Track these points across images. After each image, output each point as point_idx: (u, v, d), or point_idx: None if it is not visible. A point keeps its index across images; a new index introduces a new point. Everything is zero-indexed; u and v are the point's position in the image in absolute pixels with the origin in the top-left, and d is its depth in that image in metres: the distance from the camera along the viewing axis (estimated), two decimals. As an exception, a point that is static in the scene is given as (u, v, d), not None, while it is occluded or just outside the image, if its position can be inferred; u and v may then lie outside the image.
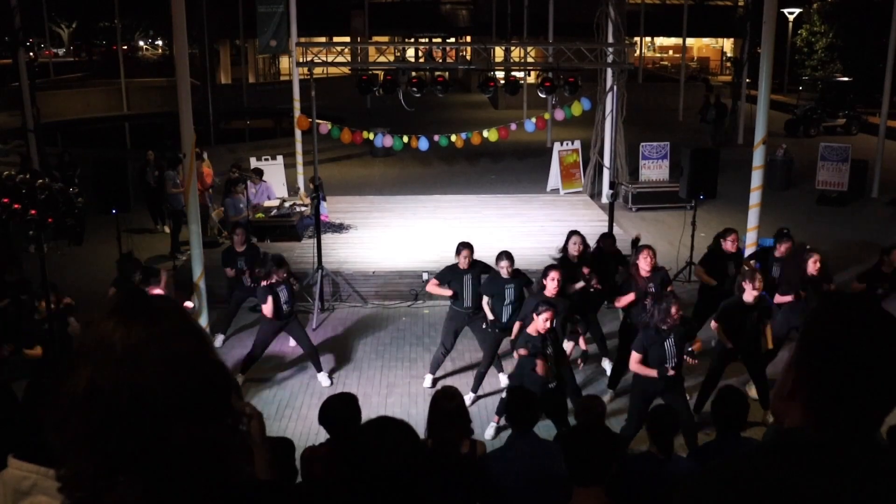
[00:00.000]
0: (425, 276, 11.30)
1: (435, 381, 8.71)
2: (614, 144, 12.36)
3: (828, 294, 7.79)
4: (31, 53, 21.53)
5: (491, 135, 14.26)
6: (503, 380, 8.57)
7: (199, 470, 1.24)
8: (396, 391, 8.72)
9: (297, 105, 16.10)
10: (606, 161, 14.03)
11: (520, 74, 14.92)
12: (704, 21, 39.60)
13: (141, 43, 65.69)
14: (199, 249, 9.63)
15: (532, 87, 15.89)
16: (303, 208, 13.61)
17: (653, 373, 6.69)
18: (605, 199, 14.37)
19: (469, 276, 8.52)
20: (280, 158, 15.85)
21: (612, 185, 11.78)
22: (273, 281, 8.42)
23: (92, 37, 60.96)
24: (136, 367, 1.22)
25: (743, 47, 25.80)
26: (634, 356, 6.83)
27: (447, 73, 12.47)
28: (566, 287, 8.03)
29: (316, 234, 11.24)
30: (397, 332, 10.37)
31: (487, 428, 7.71)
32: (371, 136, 13.82)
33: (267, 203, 13.67)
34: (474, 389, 8.33)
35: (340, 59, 12.60)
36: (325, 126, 13.07)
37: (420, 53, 15.91)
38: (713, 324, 7.75)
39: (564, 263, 8.54)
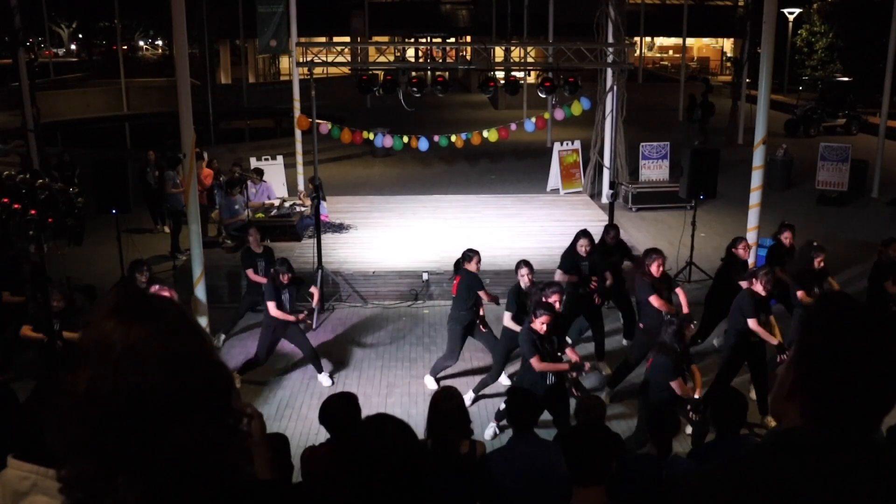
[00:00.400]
0: (425, 277, 11.32)
1: (437, 383, 8.70)
2: (614, 144, 12.37)
3: (825, 294, 7.79)
4: (31, 53, 21.53)
5: (491, 135, 14.26)
6: (503, 380, 8.57)
7: (200, 470, 1.24)
8: (396, 391, 8.72)
9: (297, 105, 16.10)
10: (606, 161, 14.04)
11: (520, 74, 14.92)
12: (704, 21, 39.60)
13: (141, 43, 65.69)
14: (199, 249, 9.62)
15: (532, 87, 15.90)
16: (303, 208, 13.61)
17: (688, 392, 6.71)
18: (605, 199, 14.38)
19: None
20: (280, 158, 15.85)
21: (612, 185, 11.79)
22: (283, 281, 8.51)
23: (92, 37, 60.98)
24: (136, 368, 1.22)
25: (743, 47, 25.81)
26: (678, 384, 6.66)
27: (447, 73, 12.48)
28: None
29: (316, 234, 11.25)
30: (397, 332, 10.37)
31: (487, 428, 7.71)
32: (371, 136, 13.82)
33: (267, 203, 13.67)
34: (476, 391, 8.30)
35: (340, 59, 12.61)
36: (325, 126, 13.07)
37: (420, 53, 15.91)
38: (752, 322, 7.62)
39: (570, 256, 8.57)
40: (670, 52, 49.58)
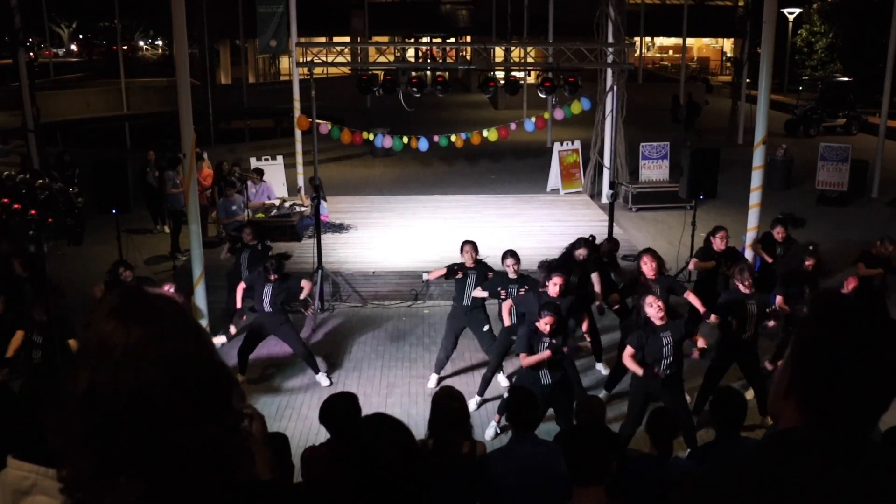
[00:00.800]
0: (425, 277, 11.30)
1: (440, 382, 8.70)
2: (614, 144, 12.37)
3: (821, 294, 7.79)
4: (31, 53, 21.53)
5: (491, 135, 14.26)
6: (503, 380, 8.58)
7: (200, 470, 1.24)
8: (396, 391, 8.72)
9: (297, 105, 16.10)
10: (606, 161, 14.04)
11: (520, 74, 14.92)
12: (704, 21, 39.61)
13: (141, 43, 65.72)
14: (199, 249, 9.62)
15: (532, 87, 15.89)
16: (303, 208, 13.61)
17: (639, 370, 6.69)
18: (605, 199, 14.37)
19: (473, 274, 8.54)
20: (280, 158, 15.85)
21: (612, 185, 11.79)
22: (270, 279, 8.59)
23: (92, 37, 60.99)
24: (136, 368, 1.22)
25: (743, 47, 25.82)
26: (628, 350, 6.84)
27: (447, 73, 12.47)
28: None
29: (316, 234, 11.25)
30: (397, 332, 10.37)
31: (488, 428, 7.71)
32: (371, 137, 13.82)
33: (267, 203, 13.67)
34: (480, 393, 8.27)
35: (340, 59, 12.60)
36: (325, 126, 13.07)
37: (420, 53, 15.91)
38: (712, 317, 7.73)
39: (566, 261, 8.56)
40: (670, 52, 49.60)
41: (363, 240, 13.11)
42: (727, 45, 48.60)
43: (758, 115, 10.44)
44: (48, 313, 7.64)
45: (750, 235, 10.54)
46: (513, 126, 14.44)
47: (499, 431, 7.66)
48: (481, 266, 8.63)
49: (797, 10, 34.62)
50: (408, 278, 11.42)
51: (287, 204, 13.78)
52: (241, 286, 9.12)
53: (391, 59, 13.98)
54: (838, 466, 1.31)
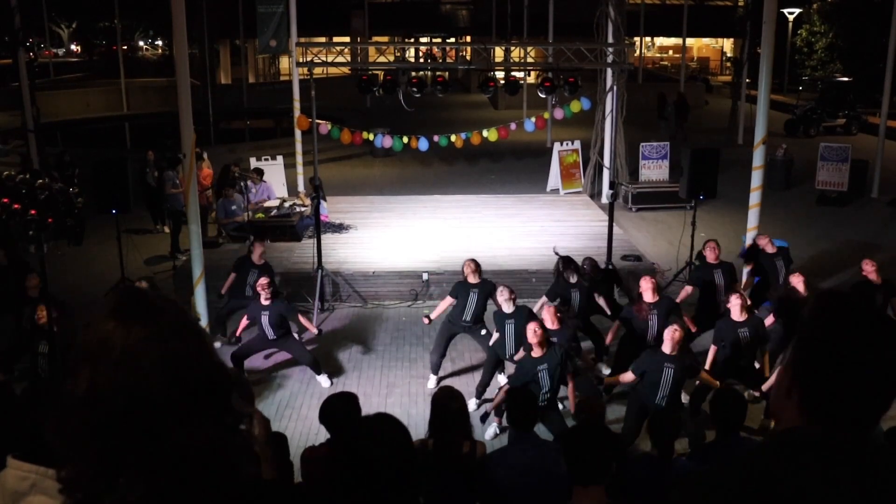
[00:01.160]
0: (425, 277, 11.32)
1: (439, 382, 8.70)
2: (614, 144, 12.36)
3: (821, 294, 7.80)
4: (31, 53, 21.49)
5: (491, 135, 14.25)
6: (502, 380, 8.57)
7: (200, 470, 1.24)
8: (396, 391, 8.72)
9: (297, 105, 16.10)
10: (606, 161, 14.03)
11: (520, 74, 14.91)
12: (704, 21, 39.63)
13: (141, 43, 65.70)
14: (199, 249, 9.62)
15: (532, 87, 15.88)
16: (303, 208, 13.60)
17: (627, 380, 6.82)
18: (605, 199, 14.37)
19: (476, 291, 8.56)
20: (280, 158, 15.85)
21: (612, 185, 11.78)
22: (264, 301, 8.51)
23: (92, 37, 60.98)
24: (136, 368, 1.22)
25: (743, 47, 25.81)
26: (628, 375, 6.92)
27: (447, 74, 12.46)
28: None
29: (316, 235, 11.24)
30: (397, 332, 10.37)
31: (488, 428, 7.70)
32: (371, 137, 13.82)
33: (267, 203, 13.66)
34: (477, 397, 8.27)
35: (340, 59, 12.59)
36: (325, 126, 13.06)
37: (420, 53, 15.91)
38: (712, 349, 7.76)
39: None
40: (670, 52, 49.62)
41: (363, 240, 13.10)
42: (727, 45, 48.61)
43: (758, 115, 10.44)
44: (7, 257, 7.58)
45: (750, 236, 10.55)
46: (513, 126, 14.43)
47: (498, 432, 7.66)
48: (485, 284, 8.63)
49: (797, 10, 34.62)
50: (408, 278, 11.42)
51: (287, 204, 13.78)
52: (244, 321, 8.88)
53: (391, 59, 13.96)
54: (839, 466, 1.31)
